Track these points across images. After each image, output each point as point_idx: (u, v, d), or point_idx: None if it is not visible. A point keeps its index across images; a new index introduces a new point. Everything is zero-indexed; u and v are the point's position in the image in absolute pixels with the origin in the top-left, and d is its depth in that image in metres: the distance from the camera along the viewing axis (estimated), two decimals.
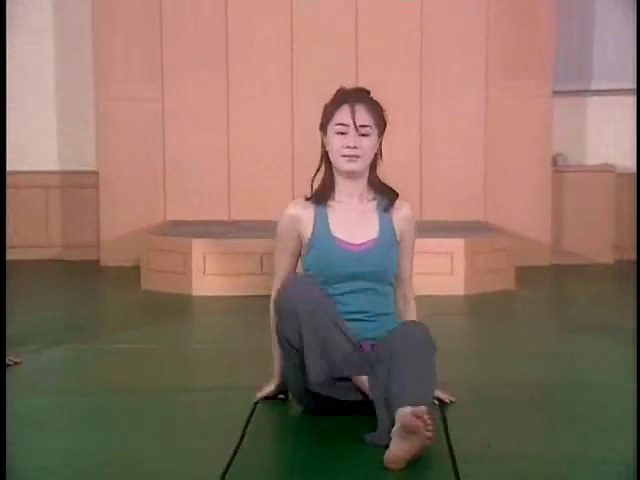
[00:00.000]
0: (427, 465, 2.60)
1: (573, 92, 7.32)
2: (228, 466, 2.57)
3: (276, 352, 3.14)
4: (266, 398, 3.20)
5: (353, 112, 3.00)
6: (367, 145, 3.03)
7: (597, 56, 7.34)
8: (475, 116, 7.02)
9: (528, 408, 3.25)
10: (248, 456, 2.65)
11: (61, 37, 7.37)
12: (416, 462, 2.56)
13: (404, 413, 2.57)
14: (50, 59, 7.37)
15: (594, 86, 7.35)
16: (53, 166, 7.43)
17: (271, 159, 7.03)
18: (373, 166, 3.12)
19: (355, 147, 3.00)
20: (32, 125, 7.28)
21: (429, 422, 2.53)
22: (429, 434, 2.52)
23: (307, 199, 3.14)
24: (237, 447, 2.73)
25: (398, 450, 2.49)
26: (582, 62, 7.36)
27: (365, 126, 3.01)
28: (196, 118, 7.04)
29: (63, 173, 7.40)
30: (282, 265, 3.15)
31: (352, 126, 3.00)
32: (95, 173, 7.18)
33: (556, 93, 7.03)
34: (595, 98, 7.37)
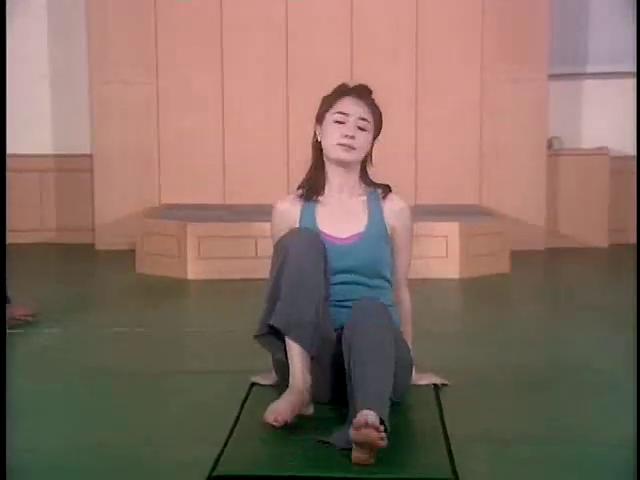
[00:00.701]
0: (422, 447, 2.61)
1: (569, 75, 7.31)
2: (223, 449, 2.57)
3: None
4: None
5: (357, 104, 2.97)
6: (363, 139, 2.98)
7: (592, 39, 7.33)
8: (470, 100, 7.01)
9: (524, 391, 3.26)
10: (243, 439, 2.66)
11: (55, 20, 7.33)
12: (411, 444, 2.57)
13: (354, 424, 2.43)
14: (44, 42, 7.34)
15: (590, 69, 7.34)
16: (47, 149, 7.41)
17: (266, 143, 7.03)
18: (364, 165, 3.07)
19: (353, 137, 2.96)
20: (26, 108, 7.25)
21: (377, 426, 2.40)
22: (381, 441, 2.39)
23: (296, 196, 3.09)
24: (232, 430, 2.74)
25: (358, 458, 2.42)
26: (578, 45, 7.35)
27: (364, 120, 2.97)
28: (191, 102, 7.03)
29: (57, 157, 7.38)
30: None
31: (353, 117, 2.96)
32: (89, 156, 7.17)
33: (552, 76, 7.02)
34: (591, 81, 7.37)
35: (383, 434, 2.39)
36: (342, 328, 2.93)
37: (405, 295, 3.16)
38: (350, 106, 2.97)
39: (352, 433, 2.41)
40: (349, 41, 6.92)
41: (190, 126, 7.03)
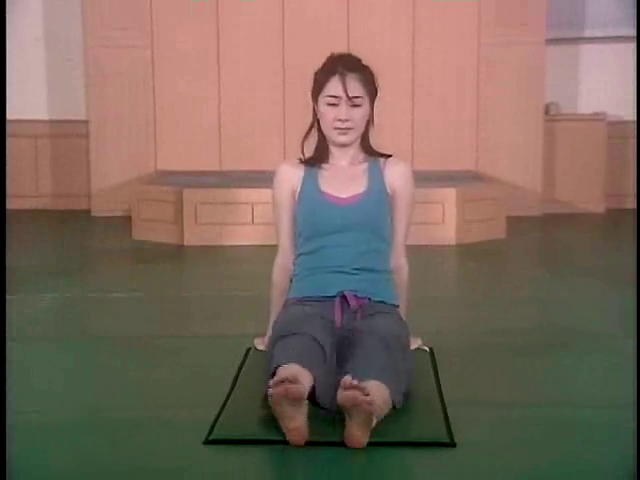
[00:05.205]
0: (418, 411, 2.62)
1: (566, 40, 7.27)
2: (220, 413, 2.59)
3: (273, 308, 3.15)
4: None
5: (344, 83, 2.92)
6: (359, 116, 2.97)
7: (590, 3, 7.28)
8: (467, 64, 6.98)
9: (521, 354, 3.27)
10: (240, 403, 2.67)
11: None
12: (407, 409, 2.58)
13: (341, 384, 2.36)
14: (38, 5, 7.28)
15: (587, 33, 7.30)
16: (43, 115, 7.38)
17: (262, 109, 7.00)
18: (365, 132, 3.06)
19: (347, 119, 2.95)
20: (21, 73, 7.21)
21: (361, 386, 2.33)
22: (367, 399, 2.32)
23: (298, 162, 3.10)
24: (229, 394, 2.75)
25: (352, 435, 2.35)
26: (575, 9, 7.31)
27: (357, 97, 2.94)
28: (186, 66, 6.99)
29: (53, 122, 7.35)
30: (284, 228, 3.11)
31: (344, 98, 2.93)
32: (85, 122, 7.14)
33: (549, 41, 6.99)
34: (588, 46, 7.33)
35: (369, 398, 2.32)
36: (340, 295, 2.94)
37: (403, 263, 3.14)
38: (339, 88, 2.93)
39: (339, 395, 2.35)
40: (346, 7, 6.87)
41: (186, 91, 7.00)
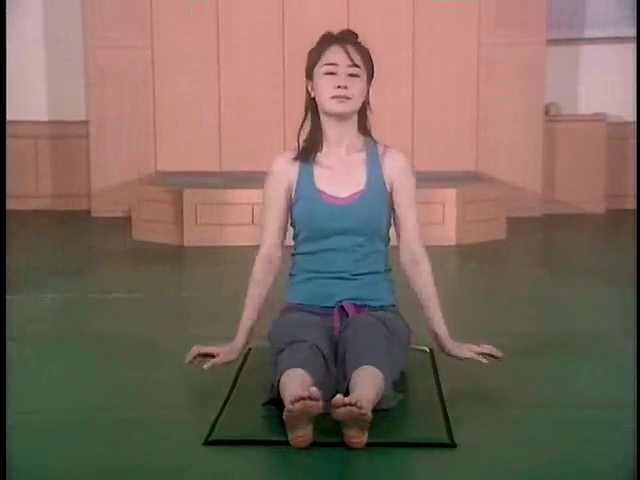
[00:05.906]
0: (418, 412, 2.61)
1: (566, 40, 7.27)
2: (220, 414, 2.58)
3: (248, 304, 3.07)
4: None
5: (344, 51, 2.84)
6: (357, 87, 2.85)
7: (590, 3, 7.29)
8: (467, 64, 6.98)
9: (521, 354, 3.26)
10: (240, 403, 2.67)
11: None
12: (406, 409, 2.58)
13: (332, 403, 2.33)
14: (38, 5, 7.28)
15: (587, 34, 7.30)
16: (43, 116, 7.38)
17: (262, 109, 7.00)
18: (362, 114, 2.95)
19: (346, 87, 2.83)
20: (21, 74, 7.21)
21: (353, 402, 2.29)
22: (362, 411, 2.29)
23: (293, 158, 2.97)
24: (229, 395, 2.75)
25: (350, 440, 2.35)
26: (575, 10, 7.31)
27: (355, 65, 2.85)
28: (186, 66, 7.00)
29: (53, 123, 7.35)
30: (271, 223, 2.97)
31: (343, 65, 2.83)
32: (85, 123, 7.14)
33: (549, 41, 6.99)
34: (588, 46, 7.33)
35: (363, 410, 2.30)
36: (339, 306, 2.90)
37: (420, 253, 2.98)
38: (338, 55, 2.85)
39: (333, 412, 2.33)
40: (346, 7, 6.88)
41: (186, 91, 7.00)
